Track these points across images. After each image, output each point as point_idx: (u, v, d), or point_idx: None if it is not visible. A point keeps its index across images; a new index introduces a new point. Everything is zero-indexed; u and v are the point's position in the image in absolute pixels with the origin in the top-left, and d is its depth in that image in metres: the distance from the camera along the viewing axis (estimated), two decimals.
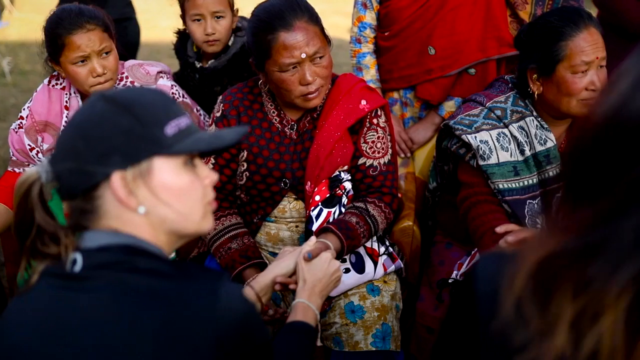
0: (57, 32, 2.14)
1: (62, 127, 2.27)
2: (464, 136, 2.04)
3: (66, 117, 2.30)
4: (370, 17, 2.62)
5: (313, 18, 1.88)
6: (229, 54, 2.50)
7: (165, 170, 1.09)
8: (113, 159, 1.06)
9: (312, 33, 1.85)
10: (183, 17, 2.51)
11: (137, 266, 1.06)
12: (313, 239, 1.75)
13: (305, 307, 1.55)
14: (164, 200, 1.10)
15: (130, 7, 3.72)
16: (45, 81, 2.37)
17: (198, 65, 2.57)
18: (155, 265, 1.07)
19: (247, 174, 2.06)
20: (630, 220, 0.77)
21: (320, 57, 1.87)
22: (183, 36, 2.64)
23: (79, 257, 1.07)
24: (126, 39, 3.46)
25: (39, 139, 2.32)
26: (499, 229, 1.85)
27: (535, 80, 1.99)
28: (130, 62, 2.40)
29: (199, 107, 2.51)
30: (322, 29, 1.90)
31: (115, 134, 1.07)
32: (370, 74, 2.62)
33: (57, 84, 2.35)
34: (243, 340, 1.08)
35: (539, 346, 0.80)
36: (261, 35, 1.85)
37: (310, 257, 1.64)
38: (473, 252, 2.18)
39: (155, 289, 1.04)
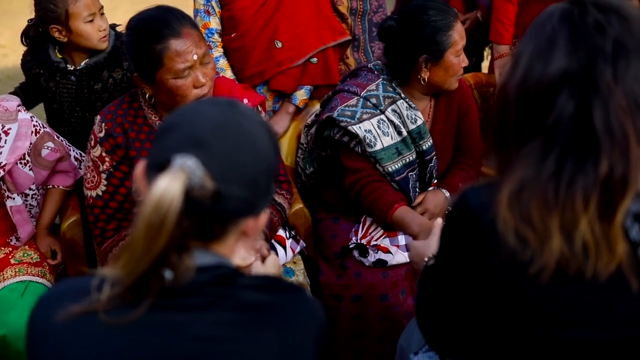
0: None
1: None
2: (350, 127, 2.24)
3: None
4: (215, 23, 2.72)
5: (194, 24, 1.94)
6: (108, 47, 2.54)
7: None
8: (268, 199, 1.12)
9: (197, 37, 1.91)
10: (65, 24, 2.43)
11: (239, 282, 1.07)
12: (260, 240, 1.85)
13: None
14: None
15: None
16: None
17: (71, 68, 2.54)
18: (251, 282, 1.09)
19: None
20: (557, 152, 1.04)
21: (207, 61, 1.95)
22: (36, 51, 2.57)
23: (168, 273, 1.01)
24: None
25: None
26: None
27: (424, 67, 2.24)
28: None
29: (57, 135, 2.44)
30: (201, 34, 1.97)
31: (273, 173, 1.13)
32: (227, 76, 2.72)
33: None
34: (325, 346, 1.15)
35: (542, 255, 1.03)
36: (149, 46, 1.86)
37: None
38: (362, 218, 2.42)
39: (263, 303, 1.06)
